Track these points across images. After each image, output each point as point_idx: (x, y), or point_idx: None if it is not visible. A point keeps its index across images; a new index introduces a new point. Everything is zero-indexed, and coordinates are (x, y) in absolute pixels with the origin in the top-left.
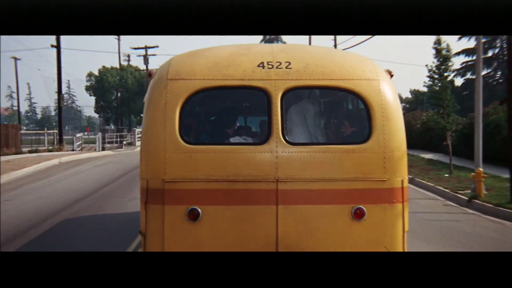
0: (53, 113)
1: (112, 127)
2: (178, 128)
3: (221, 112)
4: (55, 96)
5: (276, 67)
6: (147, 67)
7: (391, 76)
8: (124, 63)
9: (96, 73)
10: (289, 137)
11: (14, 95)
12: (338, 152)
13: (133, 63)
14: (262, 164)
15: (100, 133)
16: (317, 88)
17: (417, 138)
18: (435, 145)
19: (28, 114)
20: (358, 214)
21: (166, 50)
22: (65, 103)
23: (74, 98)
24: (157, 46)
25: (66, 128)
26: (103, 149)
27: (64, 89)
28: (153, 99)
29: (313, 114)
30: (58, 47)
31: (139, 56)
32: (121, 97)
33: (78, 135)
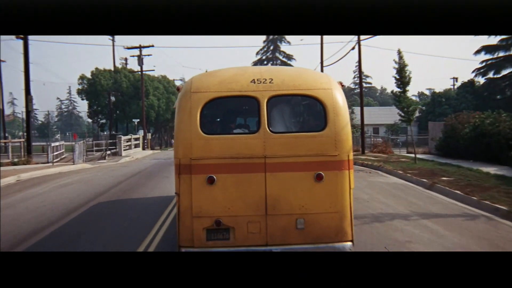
0: (55, 119)
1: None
2: (199, 124)
3: (227, 112)
4: (44, 100)
5: (263, 82)
6: (141, 68)
7: (342, 86)
8: (123, 67)
9: (89, 75)
10: (272, 128)
11: (16, 102)
12: (305, 138)
13: (132, 67)
14: (254, 146)
15: (81, 141)
16: (290, 95)
17: (466, 146)
18: (493, 156)
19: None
20: (319, 177)
21: (161, 49)
22: (66, 109)
23: (75, 104)
24: (152, 46)
25: (67, 134)
26: (85, 160)
27: (65, 95)
28: (182, 105)
29: (288, 112)
30: (25, 38)
31: (133, 56)
32: (115, 101)
33: (54, 144)
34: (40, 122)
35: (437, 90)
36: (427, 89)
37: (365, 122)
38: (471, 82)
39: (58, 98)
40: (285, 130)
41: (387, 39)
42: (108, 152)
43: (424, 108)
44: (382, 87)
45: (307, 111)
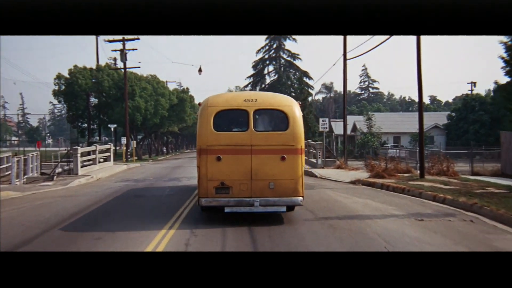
0: (48, 123)
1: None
2: (212, 125)
3: (229, 118)
4: (13, 102)
5: (251, 101)
6: (125, 64)
7: (300, 104)
8: (107, 64)
9: (67, 74)
10: (256, 128)
11: (7, 105)
12: (275, 134)
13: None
14: (245, 139)
15: (34, 153)
16: (267, 110)
17: None
18: None
19: (21, 125)
20: (283, 158)
21: (148, 44)
22: (58, 113)
23: None
24: (138, 39)
25: (59, 139)
26: (26, 181)
27: (39, 95)
28: (202, 114)
29: (266, 119)
30: None
31: (115, 50)
32: (98, 104)
33: None
34: (29, 126)
35: (448, 97)
36: (429, 96)
37: (384, 130)
38: (510, 85)
39: (51, 102)
40: (264, 129)
41: (393, 43)
42: (59, 170)
43: (454, 114)
44: (389, 93)
45: (277, 118)
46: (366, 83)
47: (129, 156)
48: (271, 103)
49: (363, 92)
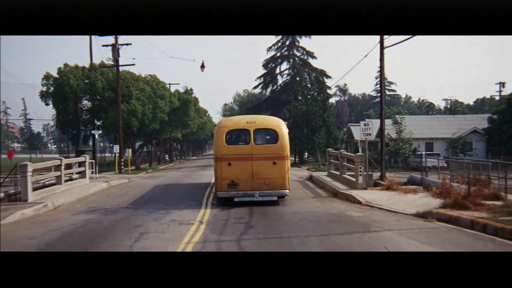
0: (52, 129)
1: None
2: (224, 141)
3: (236, 136)
4: (17, 107)
5: (251, 123)
6: (117, 61)
7: (286, 123)
8: (101, 63)
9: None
10: (255, 142)
11: (9, 111)
12: (269, 146)
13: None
14: (247, 150)
15: None
16: (263, 129)
17: None
18: None
19: (24, 131)
20: (274, 163)
21: (144, 38)
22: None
23: None
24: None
25: (62, 145)
26: None
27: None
28: (218, 132)
29: (262, 136)
30: None
31: (105, 46)
32: (92, 107)
33: None
34: (30, 132)
35: (466, 99)
36: (444, 99)
37: (415, 135)
38: None
39: (54, 108)
40: (261, 143)
41: (409, 44)
42: (1, 195)
43: (496, 117)
44: (406, 95)
45: (270, 135)
46: None
47: (122, 166)
48: (266, 124)
49: (379, 94)
